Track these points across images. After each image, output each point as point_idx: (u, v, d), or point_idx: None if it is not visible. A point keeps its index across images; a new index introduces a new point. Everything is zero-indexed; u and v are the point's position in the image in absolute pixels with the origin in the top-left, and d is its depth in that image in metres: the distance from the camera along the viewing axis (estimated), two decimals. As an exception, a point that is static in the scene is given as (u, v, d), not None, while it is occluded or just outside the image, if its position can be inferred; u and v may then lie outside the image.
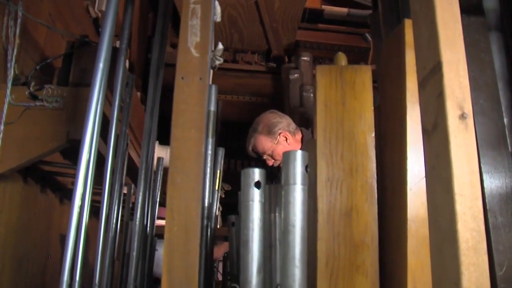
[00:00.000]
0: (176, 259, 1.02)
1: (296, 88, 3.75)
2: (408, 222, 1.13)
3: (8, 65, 1.68)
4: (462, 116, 0.85)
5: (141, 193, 1.55)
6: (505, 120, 1.24)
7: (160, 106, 1.67)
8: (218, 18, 1.43)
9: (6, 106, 1.63)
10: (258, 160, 2.74)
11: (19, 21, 1.71)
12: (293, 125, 2.71)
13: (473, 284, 0.77)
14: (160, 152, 2.69)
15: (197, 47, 1.14)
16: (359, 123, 1.26)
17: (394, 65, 1.29)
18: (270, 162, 2.66)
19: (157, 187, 1.83)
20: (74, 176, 1.34)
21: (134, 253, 1.49)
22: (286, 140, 2.63)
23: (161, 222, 2.29)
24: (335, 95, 1.28)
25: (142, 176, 1.56)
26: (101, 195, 1.50)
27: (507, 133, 1.22)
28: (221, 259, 2.56)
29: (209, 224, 1.41)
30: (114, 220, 1.59)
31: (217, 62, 1.99)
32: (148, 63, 3.51)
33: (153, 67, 1.65)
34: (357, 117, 1.26)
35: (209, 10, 1.17)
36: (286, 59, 4.25)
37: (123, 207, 1.73)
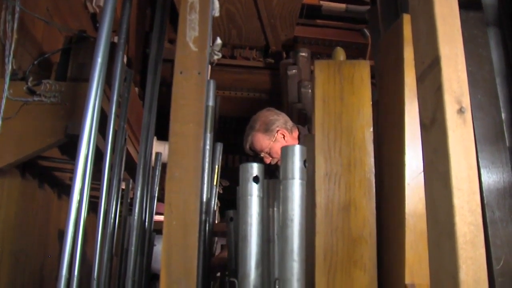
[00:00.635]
0: (175, 253, 1.02)
1: (294, 84, 3.75)
2: (406, 217, 1.14)
3: (6, 60, 1.68)
4: (460, 111, 0.85)
5: (139, 189, 1.55)
6: (503, 115, 1.24)
7: (158, 101, 1.67)
8: (216, 13, 1.43)
9: (4, 101, 1.63)
10: (255, 157, 2.73)
11: (16, 15, 1.70)
12: (290, 123, 2.70)
13: (470, 278, 0.77)
14: (158, 147, 2.68)
15: (195, 41, 1.14)
16: (357, 118, 1.26)
17: (392, 60, 1.29)
18: (268, 160, 2.66)
19: (155, 182, 1.83)
20: (72, 172, 1.34)
21: (133, 249, 1.49)
22: (284, 137, 2.62)
23: (160, 218, 2.29)
24: (334, 90, 1.28)
25: (141, 172, 1.56)
26: (99, 190, 1.50)
27: (504, 128, 1.23)
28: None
29: (207, 219, 1.41)
30: (113, 216, 1.59)
31: (216, 57, 1.99)
32: (146, 59, 3.50)
33: (151, 62, 1.64)
34: (355, 112, 1.26)
35: (208, 5, 1.17)
36: (284, 55, 4.24)
37: (121, 202, 1.73)
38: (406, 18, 1.23)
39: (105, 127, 1.52)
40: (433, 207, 0.87)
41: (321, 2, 4.28)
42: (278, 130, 2.61)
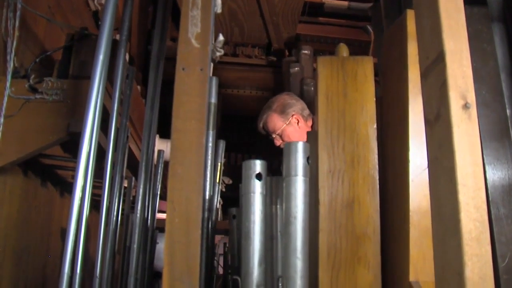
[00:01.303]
0: (177, 250, 1.02)
1: (296, 81, 3.73)
2: (410, 213, 1.13)
3: (8, 57, 1.67)
4: (465, 106, 0.85)
5: (141, 186, 1.55)
6: (508, 111, 1.23)
7: (160, 100, 1.66)
8: (218, 9, 1.43)
9: (5, 99, 1.62)
10: (259, 153, 2.73)
11: (18, 13, 1.69)
12: (307, 111, 2.70)
13: (476, 274, 0.77)
14: (161, 145, 2.68)
15: (197, 37, 1.13)
16: (361, 114, 1.25)
17: (396, 56, 1.28)
18: (278, 142, 2.67)
19: (158, 180, 1.82)
20: (75, 169, 1.33)
21: (135, 246, 1.49)
22: (298, 123, 2.62)
23: (162, 216, 2.28)
24: (337, 86, 1.27)
25: (143, 169, 1.55)
26: (101, 188, 1.49)
27: (509, 124, 1.22)
28: (221, 251, 2.55)
29: (210, 216, 1.41)
30: (115, 213, 1.59)
31: (218, 54, 1.98)
32: (148, 57, 3.49)
33: (153, 60, 1.64)
34: (359, 109, 1.25)
35: (210, 1, 1.16)
36: (287, 53, 4.23)
37: (123, 200, 1.72)
38: (410, 14, 1.22)
39: (107, 124, 1.52)
40: (438, 203, 0.86)
41: (323, 0, 4.27)
42: (293, 115, 2.62)
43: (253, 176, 1.07)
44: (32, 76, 1.72)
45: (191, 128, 1.09)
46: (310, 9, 4.06)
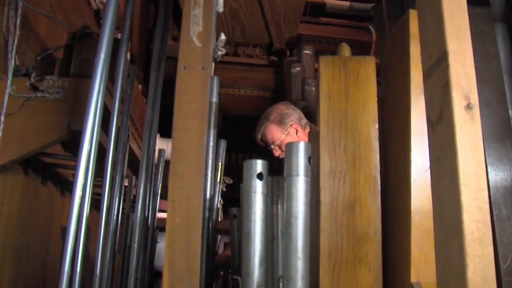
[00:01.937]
0: (178, 249, 1.01)
1: (298, 81, 3.74)
2: (412, 214, 1.12)
3: (9, 56, 1.67)
4: (468, 107, 0.84)
5: (142, 185, 1.54)
6: (510, 112, 1.23)
7: (161, 99, 1.66)
8: (220, 8, 1.42)
9: (6, 97, 1.62)
10: (260, 153, 2.73)
11: (19, 11, 1.69)
12: (304, 120, 2.70)
13: (478, 276, 0.76)
14: (161, 144, 2.68)
15: (199, 36, 1.13)
16: (363, 114, 1.24)
17: (399, 56, 1.28)
18: (277, 153, 2.66)
19: (158, 179, 1.82)
20: (75, 168, 1.33)
21: (135, 245, 1.49)
22: (297, 132, 2.62)
23: (162, 215, 2.28)
24: (339, 86, 1.26)
25: (144, 168, 1.55)
26: (102, 187, 1.49)
27: (512, 125, 1.21)
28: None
29: (211, 216, 1.40)
30: (115, 212, 1.59)
31: (219, 53, 1.98)
32: (149, 56, 3.49)
33: (154, 58, 1.64)
34: (361, 109, 1.25)
35: (212, 0, 1.16)
36: (288, 53, 4.24)
37: (124, 199, 1.72)
38: (413, 14, 1.21)
39: (108, 123, 1.52)
40: (440, 204, 0.86)
41: (325, 0, 4.27)
42: (292, 125, 2.61)
43: (254, 176, 1.06)
44: (33, 75, 1.71)
45: (192, 127, 1.08)
46: (311, 9, 4.06)
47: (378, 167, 1.22)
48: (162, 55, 1.67)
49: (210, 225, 1.38)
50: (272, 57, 4.27)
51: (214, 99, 1.38)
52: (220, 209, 3.31)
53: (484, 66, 1.23)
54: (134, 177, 2.01)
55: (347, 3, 4.26)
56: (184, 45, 1.13)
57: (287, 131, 2.61)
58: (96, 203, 1.63)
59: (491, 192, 1.13)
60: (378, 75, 1.35)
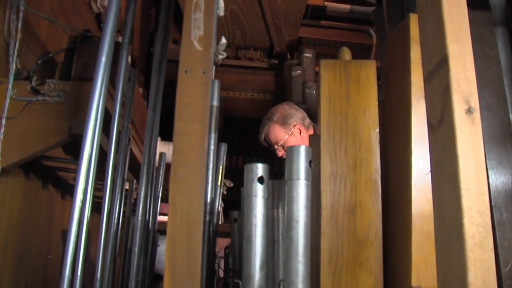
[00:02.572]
0: (179, 253, 1.01)
1: (298, 85, 3.74)
2: (413, 218, 1.12)
3: (10, 59, 1.67)
4: (469, 111, 0.84)
5: (143, 189, 1.54)
6: (511, 115, 1.23)
7: (162, 102, 1.66)
8: (221, 12, 1.42)
9: (7, 101, 1.62)
10: (261, 156, 2.73)
11: (21, 15, 1.69)
12: (307, 120, 2.70)
13: (479, 280, 0.76)
14: (162, 147, 2.68)
15: (200, 40, 1.13)
16: (363, 118, 1.25)
17: (399, 60, 1.28)
18: (280, 153, 2.66)
19: (159, 183, 1.82)
20: (76, 171, 1.33)
21: (136, 249, 1.48)
22: (300, 133, 2.62)
23: (163, 218, 2.28)
24: (339, 90, 1.27)
25: (144, 172, 1.55)
26: (103, 190, 1.49)
27: (512, 129, 1.21)
28: (222, 254, 2.55)
29: (211, 219, 1.40)
30: (116, 216, 1.58)
31: (220, 57, 1.98)
32: (150, 60, 3.50)
33: (155, 61, 1.64)
34: (361, 112, 1.25)
35: (213, 3, 1.16)
36: (289, 56, 4.24)
37: (125, 202, 1.72)
38: (413, 18, 1.22)
39: (109, 126, 1.52)
40: (441, 208, 0.86)
41: (326, 3, 4.27)
42: (295, 125, 2.61)
43: (255, 179, 1.06)
44: (34, 78, 1.72)
45: (193, 131, 1.08)
46: (312, 12, 4.07)
47: (379, 170, 1.22)
48: (163, 58, 1.67)
49: (211, 229, 1.38)
50: (273, 60, 4.28)
51: (215, 103, 1.38)
52: (221, 212, 3.31)
53: (484, 70, 1.23)
54: (135, 181, 2.01)
55: (348, 7, 4.27)
56: (185, 49, 1.13)
57: (290, 131, 2.61)
58: (97, 207, 1.63)
59: (492, 196, 1.13)
60: (378, 78, 1.35)
